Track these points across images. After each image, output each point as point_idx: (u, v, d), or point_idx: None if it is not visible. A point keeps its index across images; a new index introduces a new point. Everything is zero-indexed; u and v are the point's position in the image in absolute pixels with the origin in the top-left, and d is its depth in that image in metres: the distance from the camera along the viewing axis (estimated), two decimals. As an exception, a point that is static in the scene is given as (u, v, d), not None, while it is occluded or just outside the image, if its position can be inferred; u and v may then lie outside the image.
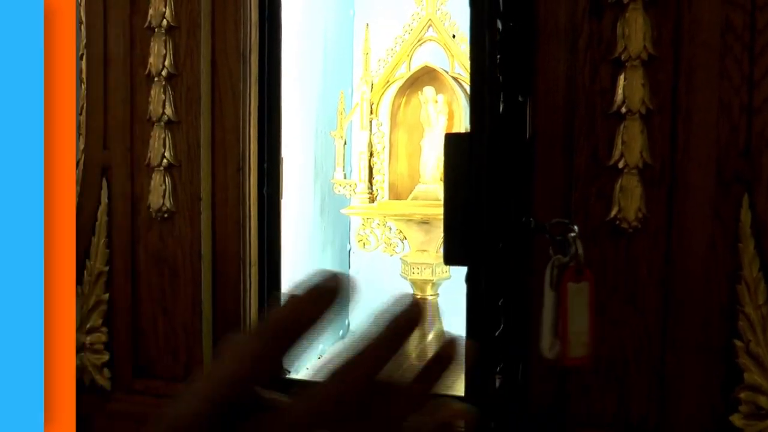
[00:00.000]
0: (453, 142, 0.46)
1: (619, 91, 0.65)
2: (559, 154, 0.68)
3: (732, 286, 0.67)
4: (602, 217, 0.66)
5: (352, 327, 1.15)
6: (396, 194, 0.96)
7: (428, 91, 0.94)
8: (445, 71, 0.94)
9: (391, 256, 0.97)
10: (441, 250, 0.49)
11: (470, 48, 0.48)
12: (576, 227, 0.54)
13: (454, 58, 0.93)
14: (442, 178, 0.47)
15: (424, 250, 0.94)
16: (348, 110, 1.00)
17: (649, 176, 0.65)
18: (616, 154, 0.65)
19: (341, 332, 1.11)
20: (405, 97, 0.99)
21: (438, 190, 0.91)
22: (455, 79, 0.93)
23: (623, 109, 0.65)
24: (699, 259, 0.67)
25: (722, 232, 0.67)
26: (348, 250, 1.13)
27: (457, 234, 0.45)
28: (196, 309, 0.82)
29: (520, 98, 0.70)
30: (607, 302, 0.66)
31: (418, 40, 0.93)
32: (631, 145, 0.64)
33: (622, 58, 0.65)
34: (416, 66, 0.95)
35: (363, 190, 0.96)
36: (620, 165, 0.65)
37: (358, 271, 1.13)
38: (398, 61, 0.96)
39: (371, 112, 0.96)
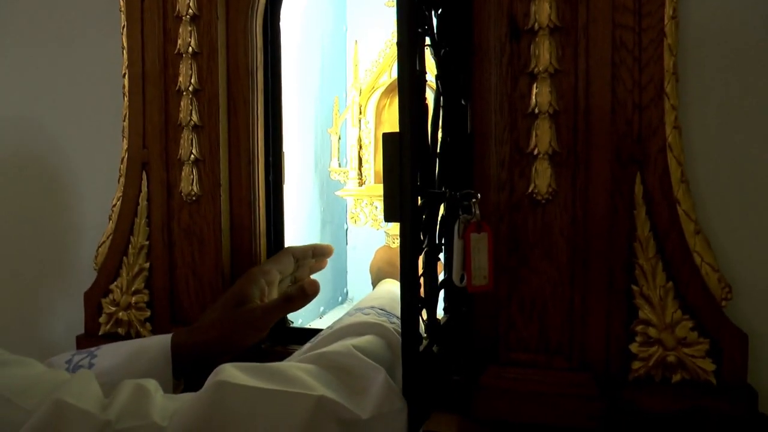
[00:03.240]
0: (387, 138, 0.70)
1: (533, 96, 0.85)
2: (491, 144, 0.89)
3: (630, 244, 0.87)
4: (524, 191, 0.87)
5: (350, 294, 1.40)
6: (380, 179, 1.19)
7: (406, 95, 1.17)
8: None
9: (378, 230, 1.20)
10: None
11: (398, 71, 0.71)
12: (479, 195, 0.77)
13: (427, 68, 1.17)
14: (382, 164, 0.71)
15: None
16: (341, 112, 1.24)
17: (558, 160, 0.85)
18: (532, 144, 0.86)
19: (340, 298, 1.36)
20: (388, 100, 1.20)
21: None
22: (428, 84, 1.17)
23: (536, 110, 0.85)
24: (602, 223, 0.86)
25: (622, 202, 0.87)
26: (345, 228, 1.38)
27: (391, 201, 0.69)
28: (219, 271, 1.01)
29: (463, 102, 0.94)
30: (529, 255, 0.87)
31: (398, 53, 1.16)
32: (542, 137, 0.85)
33: (535, 71, 0.85)
34: (396, 74, 1.18)
35: (354, 176, 1.19)
36: (535, 152, 0.85)
37: (354, 246, 1.38)
38: (381, 71, 1.18)
39: (360, 113, 1.18)
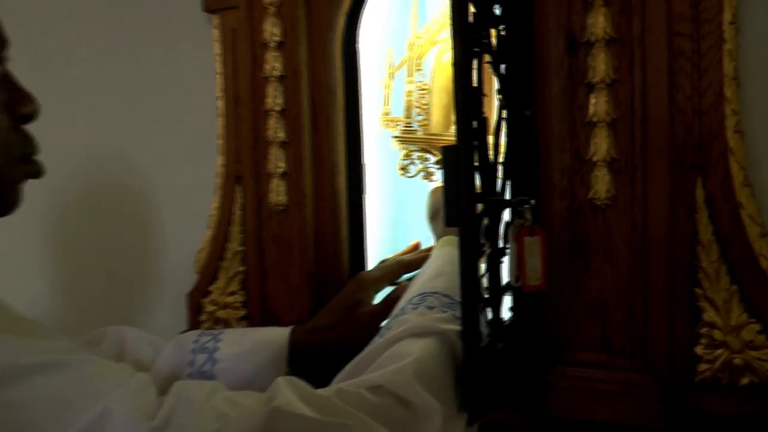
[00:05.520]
0: (446, 151, 0.78)
1: (591, 106, 0.91)
2: (553, 152, 0.94)
3: (693, 247, 0.90)
4: (584, 197, 0.92)
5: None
6: (433, 131, 1.18)
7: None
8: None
9: (429, 182, 1.20)
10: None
11: (453, 89, 0.77)
12: (532, 201, 0.84)
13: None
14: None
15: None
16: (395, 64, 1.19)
17: (616, 167, 0.90)
18: (591, 151, 0.91)
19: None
20: (445, 56, 1.18)
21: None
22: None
23: (594, 119, 0.90)
24: (663, 227, 0.90)
25: (683, 206, 0.90)
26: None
27: (450, 208, 0.77)
28: (305, 275, 1.11)
29: (527, 113, 1.00)
30: (591, 260, 0.93)
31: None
32: (600, 145, 0.90)
33: (592, 82, 0.90)
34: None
35: (407, 125, 1.18)
36: (594, 159, 0.91)
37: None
38: (441, 27, 1.19)
39: (417, 67, 1.18)
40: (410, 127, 1.18)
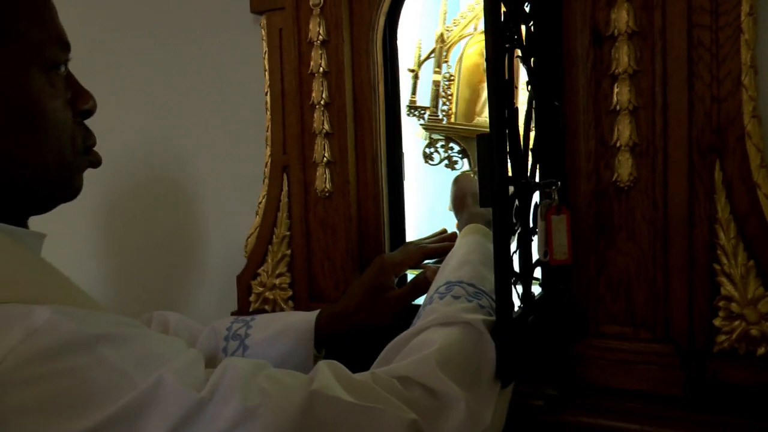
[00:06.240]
0: (481, 138, 0.85)
1: (615, 95, 0.98)
2: (580, 139, 1.02)
3: (711, 226, 0.96)
4: (609, 180, 1.00)
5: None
6: (458, 119, 1.27)
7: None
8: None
9: (452, 171, 1.27)
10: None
11: (487, 81, 0.85)
12: (558, 183, 0.92)
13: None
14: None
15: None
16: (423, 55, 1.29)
17: (638, 151, 0.98)
18: (615, 137, 0.98)
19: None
20: (471, 50, 1.28)
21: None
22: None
23: (618, 107, 0.98)
24: (682, 206, 0.96)
25: (702, 187, 0.96)
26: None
27: (484, 190, 0.84)
28: (349, 256, 1.20)
29: (556, 103, 1.08)
30: (615, 238, 1.00)
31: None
32: (623, 131, 0.97)
33: (616, 73, 0.98)
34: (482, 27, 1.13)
35: (432, 113, 1.26)
36: (617, 144, 0.98)
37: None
38: (468, 22, 1.28)
39: (444, 59, 1.26)
40: (436, 116, 1.25)
